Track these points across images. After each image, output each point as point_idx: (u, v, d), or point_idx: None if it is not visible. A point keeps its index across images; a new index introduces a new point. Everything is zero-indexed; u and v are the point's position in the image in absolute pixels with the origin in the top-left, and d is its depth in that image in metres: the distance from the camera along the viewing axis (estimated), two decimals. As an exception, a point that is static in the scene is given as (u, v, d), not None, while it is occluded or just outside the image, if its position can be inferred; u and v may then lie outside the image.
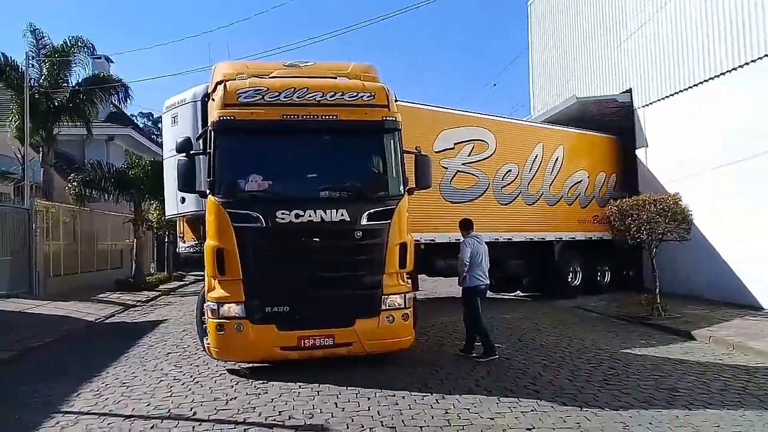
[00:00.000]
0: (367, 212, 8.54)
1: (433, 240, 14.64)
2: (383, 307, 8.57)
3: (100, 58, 27.30)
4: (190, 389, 7.92)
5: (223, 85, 8.74)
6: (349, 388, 7.67)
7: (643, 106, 18.23)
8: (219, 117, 8.44)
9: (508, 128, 17.15)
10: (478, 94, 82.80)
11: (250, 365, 8.80)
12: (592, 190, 18.34)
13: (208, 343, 8.71)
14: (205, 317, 8.89)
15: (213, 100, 8.91)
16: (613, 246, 18.30)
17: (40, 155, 21.31)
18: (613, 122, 19.42)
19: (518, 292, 18.74)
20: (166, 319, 14.59)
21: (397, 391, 7.53)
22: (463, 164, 15.71)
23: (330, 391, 7.56)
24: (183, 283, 26.07)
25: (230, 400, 7.35)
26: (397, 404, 7.04)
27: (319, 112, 8.63)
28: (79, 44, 21.34)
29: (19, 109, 20.01)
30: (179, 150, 8.95)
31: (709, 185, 15.35)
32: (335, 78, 9.30)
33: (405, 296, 8.76)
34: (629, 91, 18.83)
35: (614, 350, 10.14)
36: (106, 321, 15.04)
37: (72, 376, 8.85)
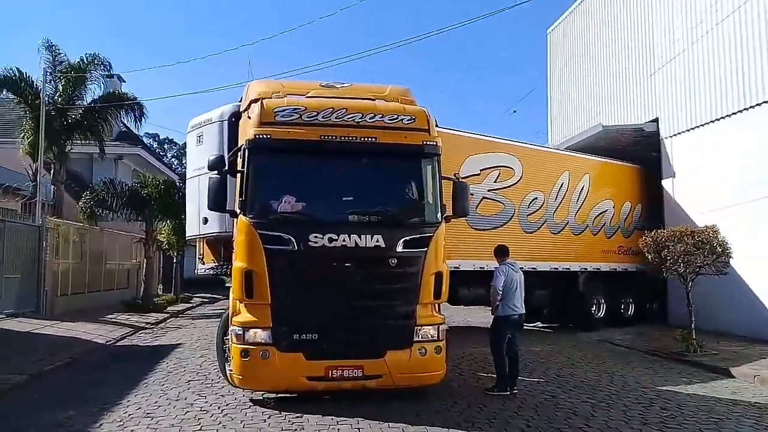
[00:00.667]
0: (404, 239, 8.12)
1: (457, 267, 14.10)
2: (416, 339, 8.12)
3: (113, 76, 27.05)
4: (219, 422, 7.41)
5: (260, 102, 8.39)
6: (391, 425, 7.18)
7: (671, 136, 17.84)
8: (255, 135, 8.07)
9: (535, 155, 16.79)
10: (498, 121, 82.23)
11: (276, 396, 8.31)
12: (617, 221, 17.91)
13: (231, 370, 8.25)
14: (228, 343, 8.46)
15: (249, 117, 8.52)
16: (637, 278, 17.97)
17: (51, 172, 20.92)
18: (636, 151, 19.07)
19: (538, 323, 18.23)
20: (180, 344, 14.11)
21: (443, 429, 7.05)
22: (489, 191, 15.32)
23: (372, 429, 7.05)
24: (191, 305, 25.64)
25: (267, 436, 6.85)
26: None
27: (357, 134, 8.26)
28: (96, 62, 21.10)
29: (32, 125, 19.68)
30: (211, 167, 8.60)
31: (740, 218, 14.85)
32: (374, 100, 8.96)
33: (438, 328, 8.31)
34: (656, 120, 18.45)
35: (659, 389, 9.63)
36: (117, 344, 14.57)
37: (90, 404, 8.37)
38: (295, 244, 7.83)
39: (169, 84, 76.85)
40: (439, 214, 8.48)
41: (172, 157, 72.75)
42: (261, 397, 8.36)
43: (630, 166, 18.76)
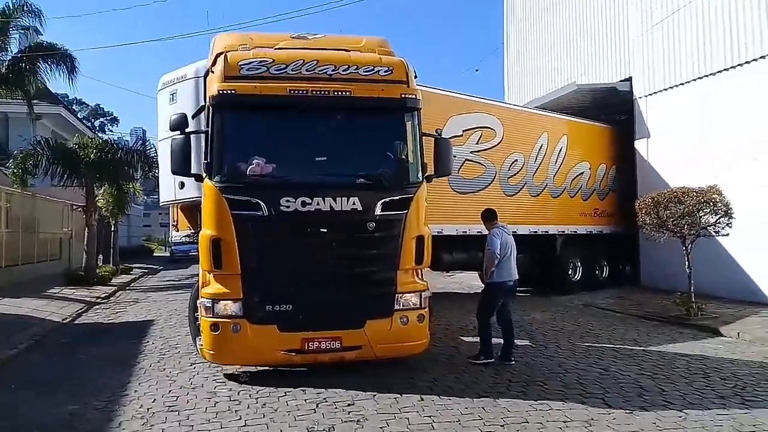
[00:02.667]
0: (382, 201, 7.61)
1: (440, 231, 13.47)
2: (397, 307, 7.71)
3: (28, 28, 24.43)
4: (263, 414, 6.42)
5: (223, 56, 7.72)
6: (463, 402, 6.49)
7: (646, 96, 17.56)
8: (218, 90, 7.46)
9: (515, 115, 16.30)
10: (461, 80, 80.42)
11: (253, 369, 7.86)
12: (593, 183, 17.64)
13: (201, 344, 7.70)
14: (198, 315, 7.95)
15: (212, 72, 7.82)
16: (611, 241, 17.86)
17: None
18: (604, 112, 18.89)
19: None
20: (152, 320, 12.93)
21: (486, 398, 6.72)
22: (471, 152, 14.76)
23: (446, 413, 6.25)
24: (133, 276, 24.13)
25: (330, 429, 5.94)
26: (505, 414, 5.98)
27: (330, 87, 7.68)
28: (24, 8, 18.85)
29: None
30: (173, 128, 7.85)
31: (717, 180, 14.52)
32: (348, 51, 8.33)
33: (421, 295, 7.87)
34: (629, 79, 18.12)
35: (696, 355, 9.25)
36: (75, 322, 13.24)
37: (90, 396, 7.26)
38: (265, 209, 7.36)
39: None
40: (419, 173, 7.96)
41: (83, 119, 68.84)
42: (234, 371, 7.95)
43: (605, 127, 18.49)
